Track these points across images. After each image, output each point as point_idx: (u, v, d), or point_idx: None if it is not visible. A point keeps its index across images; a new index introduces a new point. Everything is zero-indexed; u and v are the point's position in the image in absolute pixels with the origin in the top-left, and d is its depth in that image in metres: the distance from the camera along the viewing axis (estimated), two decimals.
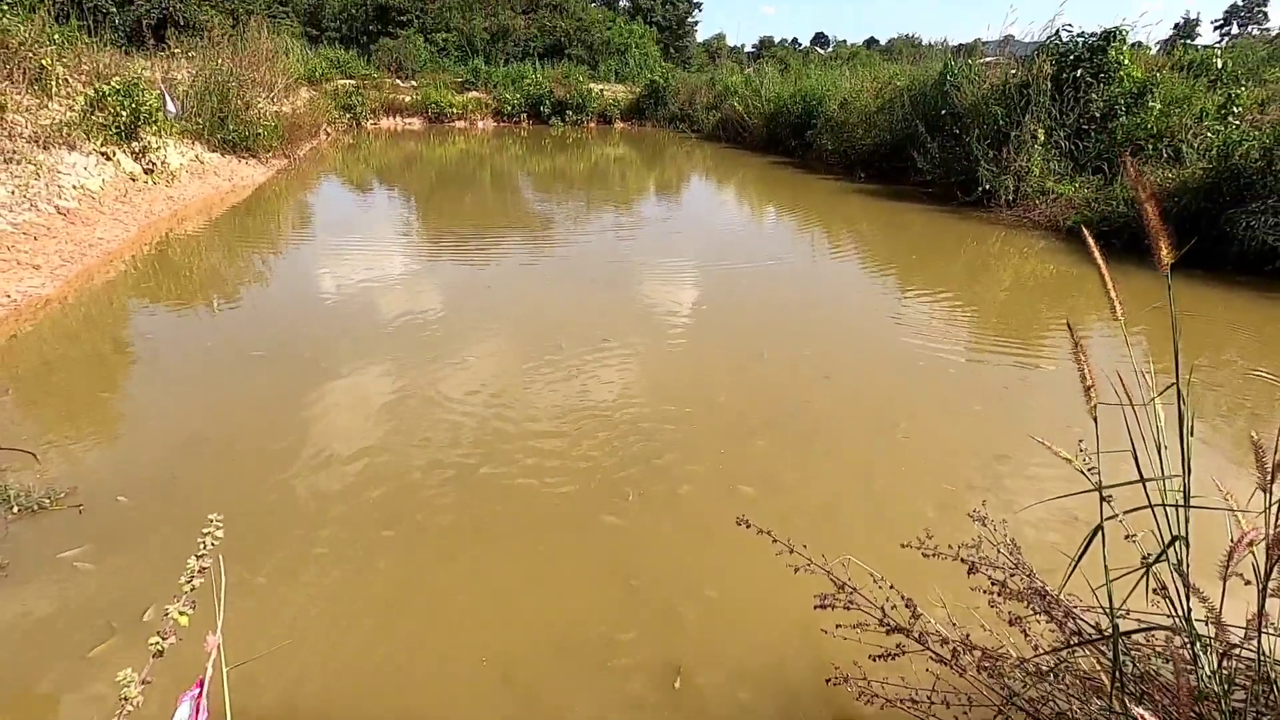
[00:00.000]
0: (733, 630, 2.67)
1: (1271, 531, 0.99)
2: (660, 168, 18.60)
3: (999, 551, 1.80)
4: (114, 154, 9.14)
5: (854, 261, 8.93)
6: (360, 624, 2.65)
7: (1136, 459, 1.12)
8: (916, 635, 1.55)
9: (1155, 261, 1.06)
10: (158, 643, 0.86)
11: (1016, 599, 1.76)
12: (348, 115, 22.86)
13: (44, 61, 9.16)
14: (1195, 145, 9.32)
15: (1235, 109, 9.45)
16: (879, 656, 1.58)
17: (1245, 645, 1.12)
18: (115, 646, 2.49)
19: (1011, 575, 1.80)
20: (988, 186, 10.88)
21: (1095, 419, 1.09)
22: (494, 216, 11.31)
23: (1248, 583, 1.28)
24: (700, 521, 3.30)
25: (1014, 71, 11.52)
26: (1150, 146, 10.01)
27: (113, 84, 9.70)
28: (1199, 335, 6.15)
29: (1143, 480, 1.09)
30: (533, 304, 6.51)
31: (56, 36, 10.59)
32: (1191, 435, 1.08)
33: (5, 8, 9.65)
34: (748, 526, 1.81)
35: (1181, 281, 7.35)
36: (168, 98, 10.45)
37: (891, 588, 1.73)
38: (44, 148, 7.91)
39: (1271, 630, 1.08)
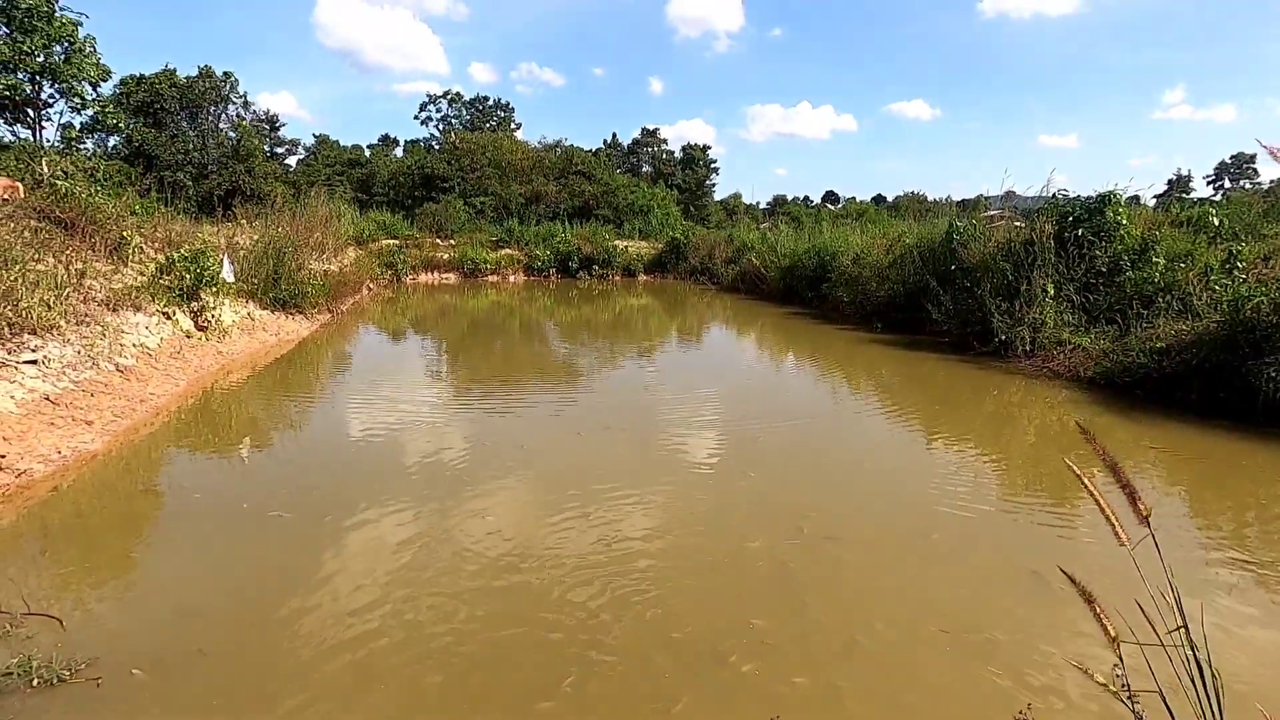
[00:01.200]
0: None
1: None
2: (682, 316, 19.38)
3: None
4: (174, 313, 9.84)
5: (879, 413, 8.99)
6: None
7: (1164, 699, 1.12)
8: None
9: (1138, 518, 1.11)
10: None
11: None
12: (389, 271, 24.51)
13: (125, 233, 10.17)
14: (1204, 300, 9.54)
15: (1239, 264, 9.76)
16: None
17: None
18: None
19: None
20: (1004, 338, 11.11)
21: (1120, 658, 1.10)
22: (522, 366, 11.73)
23: None
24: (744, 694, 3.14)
25: (1019, 225, 12.14)
26: (1160, 299, 10.27)
27: (182, 251, 10.66)
28: (1241, 493, 5.97)
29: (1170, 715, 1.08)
30: (558, 459, 6.59)
31: (138, 208, 11.83)
32: (1216, 677, 1.08)
33: (99, 187, 10.90)
34: None
35: (1211, 434, 7.25)
36: (227, 262, 11.40)
37: None
38: (113, 310, 8.58)
39: None
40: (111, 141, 31.22)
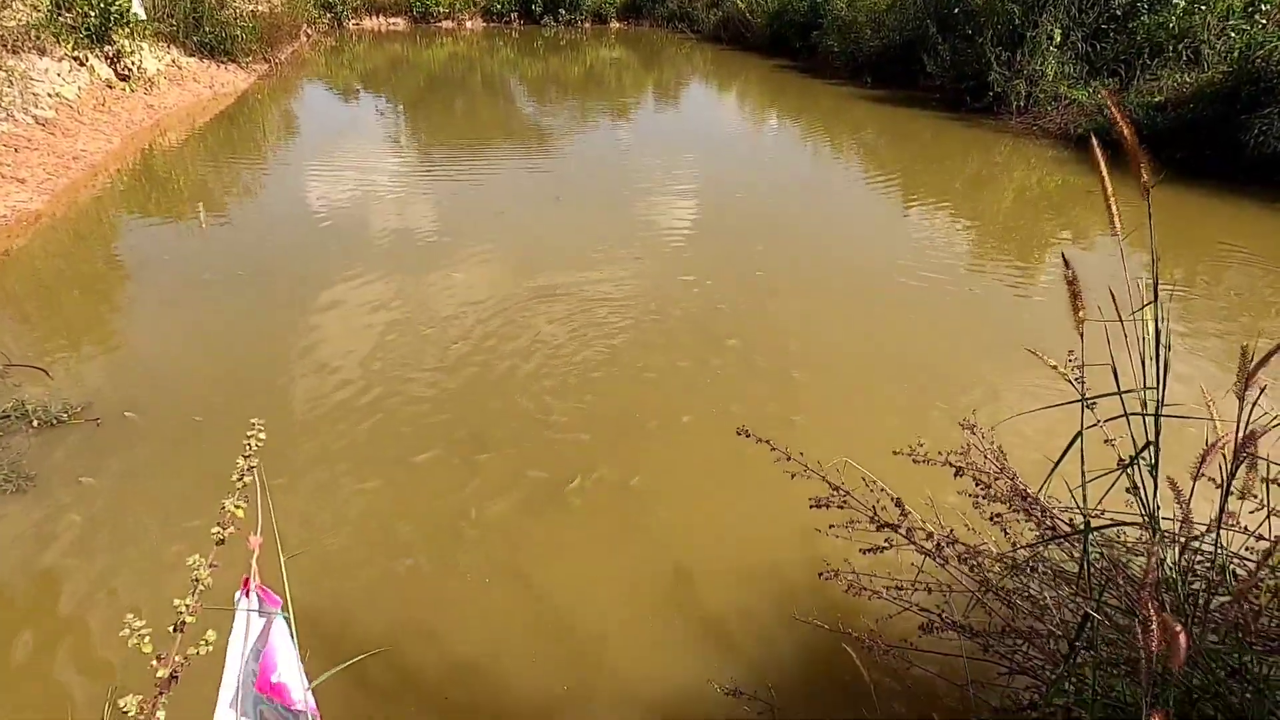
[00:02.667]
0: (732, 533, 2.82)
1: (1240, 436, 1.05)
2: (659, 70, 17.80)
3: (985, 458, 1.89)
4: (87, 59, 8.71)
5: (858, 172, 8.73)
6: (373, 526, 2.79)
7: (1115, 373, 1.18)
8: (904, 531, 1.66)
9: (1139, 181, 1.06)
10: (218, 532, 0.94)
11: (999, 501, 1.87)
12: (328, 15, 21.61)
13: None
14: (1217, 47, 8.92)
15: (1263, 7, 8.98)
16: (868, 550, 1.70)
17: (1205, 539, 1.21)
18: (170, 549, 2.64)
19: (996, 479, 1.90)
20: (999, 91, 10.48)
21: (1081, 334, 1.13)
22: (488, 128, 10.94)
23: (1218, 486, 1.37)
24: (699, 431, 3.42)
25: None
26: (1170, 48, 9.58)
27: None
28: (1205, 245, 6.13)
29: (1120, 392, 1.15)
30: (533, 227, 6.43)
31: None
32: (1169, 349, 1.13)
33: None
34: (747, 436, 1.89)
35: (1191, 192, 7.25)
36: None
37: (883, 490, 1.83)
38: (13, 51, 7.54)
39: (1231, 526, 1.17)
40: None
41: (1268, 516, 1.21)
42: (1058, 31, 10.10)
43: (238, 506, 0.96)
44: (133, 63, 9.37)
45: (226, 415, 3.42)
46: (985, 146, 9.46)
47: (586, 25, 25.62)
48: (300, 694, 1.12)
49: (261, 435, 1.08)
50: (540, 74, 16.84)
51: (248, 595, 1.08)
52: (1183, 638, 0.76)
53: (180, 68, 10.70)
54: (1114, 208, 1.08)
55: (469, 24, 24.76)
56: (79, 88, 8.16)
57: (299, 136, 9.70)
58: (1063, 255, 1.12)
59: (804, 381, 3.86)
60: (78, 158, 6.84)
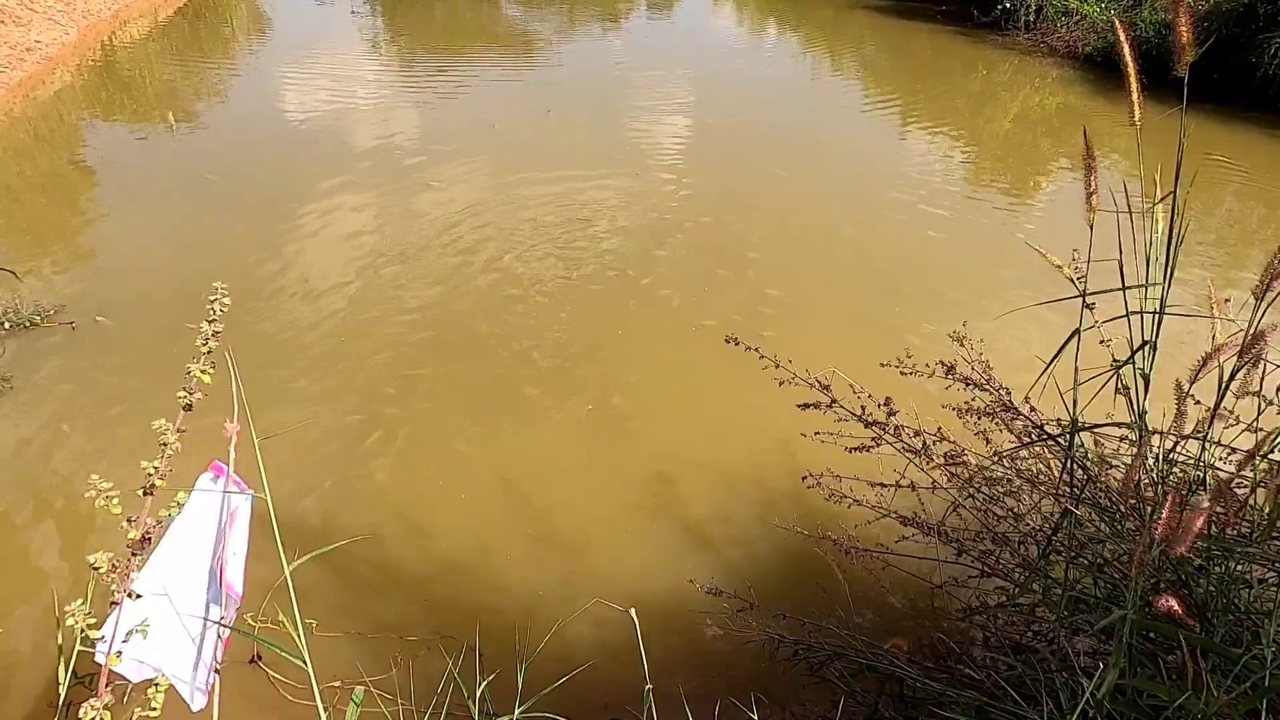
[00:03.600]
0: (716, 441, 2.85)
1: (1251, 333, 1.04)
2: None
3: (973, 369, 1.89)
4: None
5: (856, 89, 8.42)
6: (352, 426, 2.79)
7: (1121, 267, 1.15)
8: (892, 429, 1.67)
9: (1174, 60, 1.00)
10: (184, 396, 0.91)
11: (984, 414, 1.88)
12: None
13: None
14: None
15: None
16: (855, 449, 1.72)
17: (1189, 442, 1.23)
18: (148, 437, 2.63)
19: (982, 389, 1.91)
20: (1008, 5, 10.01)
21: (1091, 225, 1.09)
22: (471, 34, 10.35)
23: (1215, 391, 1.37)
24: (691, 337, 3.40)
25: None
26: None
27: None
28: (1209, 168, 6.04)
29: (1124, 288, 1.12)
30: (526, 140, 6.17)
31: None
32: (1180, 244, 1.09)
33: None
34: (736, 344, 1.87)
35: (1193, 115, 7.06)
36: None
37: (869, 396, 1.83)
38: None
39: (1229, 421, 1.18)
40: None
41: (1259, 415, 1.22)
42: None
43: (204, 372, 0.92)
44: None
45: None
46: (990, 64, 9.11)
47: None
48: (233, 575, 1.13)
49: (226, 300, 1.03)
50: None
51: (221, 477, 1.07)
52: (1199, 519, 0.75)
53: None
54: (1135, 96, 1.02)
55: None
56: None
57: (271, 37, 9.14)
58: (1084, 132, 1.07)
59: (794, 295, 3.82)
60: (32, 49, 6.42)
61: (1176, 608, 0.76)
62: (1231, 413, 1.42)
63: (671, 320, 3.57)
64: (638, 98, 7.23)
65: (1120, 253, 1.12)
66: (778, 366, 1.82)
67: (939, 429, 1.73)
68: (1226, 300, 1.55)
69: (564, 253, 4.10)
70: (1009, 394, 1.70)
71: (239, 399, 1.10)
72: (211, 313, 1.00)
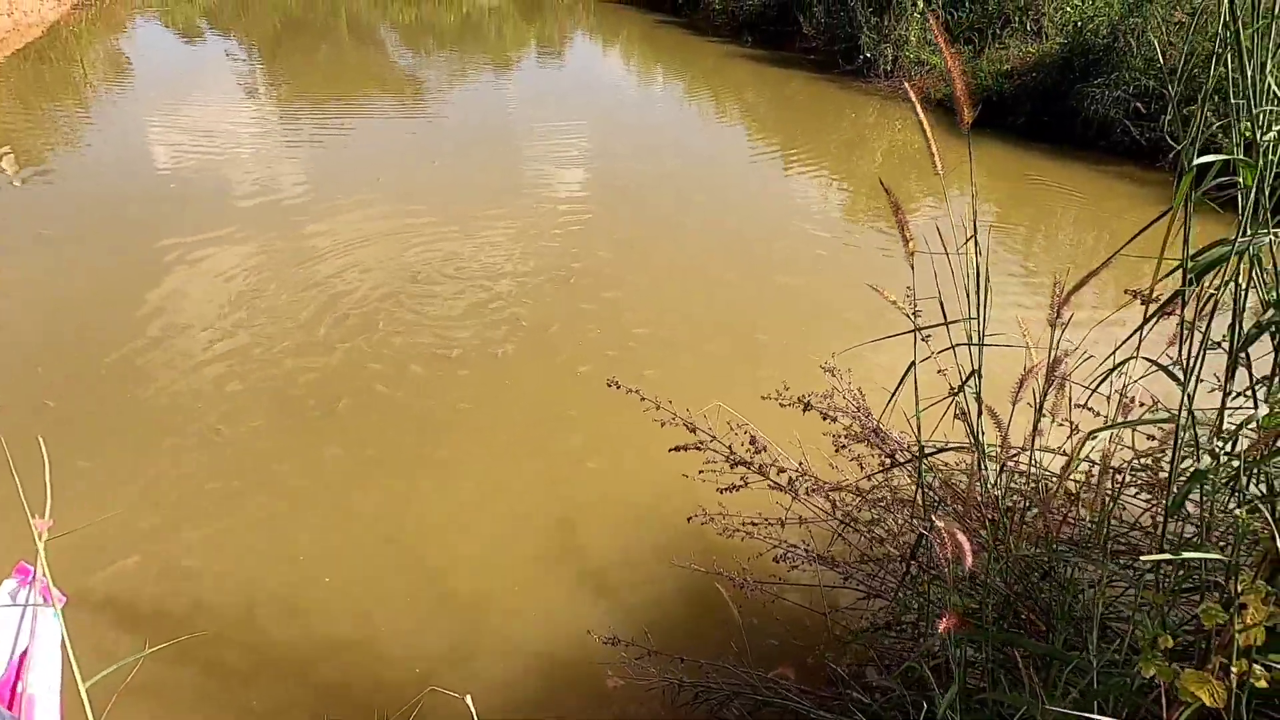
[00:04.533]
0: (616, 482, 2.83)
1: (1051, 358, 1.15)
2: (540, 22, 17.17)
3: (844, 398, 1.99)
4: None
5: (740, 132, 8.88)
6: (205, 500, 2.58)
7: (942, 305, 1.25)
8: (757, 467, 1.72)
9: (959, 121, 1.12)
10: None
11: (856, 438, 1.97)
12: None
13: None
14: (1056, 20, 9.71)
15: None
16: (725, 489, 1.75)
17: (1022, 458, 1.34)
18: None
19: (854, 417, 2.00)
20: (868, 55, 10.93)
21: (913, 266, 1.19)
22: (356, 81, 10.14)
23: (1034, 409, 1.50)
24: (580, 385, 3.39)
25: None
26: (1018, 19, 10.32)
27: None
28: (1041, 200, 6.74)
29: (946, 323, 1.22)
30: (410, 191, 6.05)
31: None
32: (989, 283, 1.21)
33: None
34: (617, 387, 1.88)
35: (1028, 154, 7.91)
36: None
37: (747, 433, 1.88)
38: None
39: (1041, 447, 1.30)
40: None
41: (1070, 435, 1.35)
42: None
43: None
44: None
45: (27, 395, 3.02)
46: (857, 108, 9.86)
47: None
48: (48, 714, 0.97)
49: None
50: (412, 21, 15.78)
51: (26, 585, 0.94)
52: (964, 541, 0.81)
53: None
54: (934, 148, 1.13)
55: None
56: None
57: (131, 79, 8.58)
58: (881, 183, 1.16)
59: (680, 333, 3.91)
60: None
61: (953, 625, 0.83)
62: (1071, 423, 1.57)
63: (558, 367, 3.55)
64: (528, 147, 7.29)
65: (939, 291, 1.22)
66: (658, 408, 1.84)
67: (800, 464, 1.80)
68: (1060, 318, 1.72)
69: (450, 308, 4.02)
70: (875, 422, 1.79)
71: (47, 488, 0.98)
72: None
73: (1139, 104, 7.39)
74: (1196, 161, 0.86)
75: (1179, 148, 0.94)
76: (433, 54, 12.65)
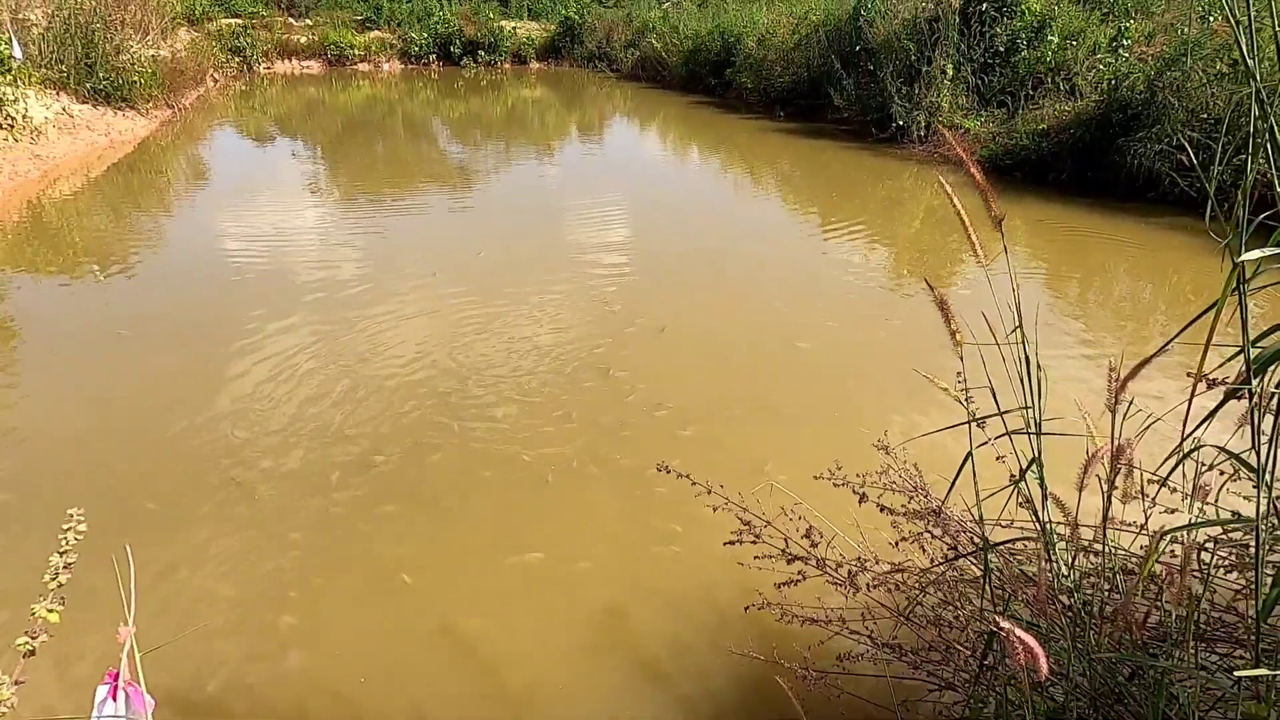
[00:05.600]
0: (662, 565, 2.78)
1: (1114, 446, 1.11)
2: (580, 110, 18.10)
3: (901, 476, 1.94)
4: None
5: (777, 201, 9.05)
6: (278, 602, 2.62)
7: (994, 391, 1.23)
8: (815, 561, 1.67)
9: (990, 213, 1.13)
10: (26, 642, 0.83)
11: (915, 518, 1.91)
12: (237, 59, 21.06)
13: None
14: (1089, 78, 9.75)
15: (1125, 42, 9.89)
16: (783, 584, 1.70)
17: (1093, 546, 1.27)
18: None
19: (912, 498, 1.95)
20: (901, 123, 11.12)
21: (960, 356, 1.18)
22: (410, 170, 10.80)
23: (1105, 488, 1.43)
24: (626, 470, 3.38)
25: (926, 3, 11.65)
26: (1050, 79, 10.41)
27: None
28: (1094, 253, 6.61)
29: (1000, 413, 1.20)
30: (463, 273, 6.33)
31: None
32: (1040, 371, 1.19)
33: None
34: (668, 472, 1.88)
35: (1075, 209, 7.83)
36: (14, 40, 9.32)
37: (801, 518, 1.84)
38: None
39: (1115, 530, 1.23)
40: None
41: (1147, 521, 1.28)
42: (950, 67, 10.83)
43: (51, 610, 0.86)
44: (15, 111, 8.83)
45: (108, 495, 3.17)
46: (893, 174, 9.97)
47: (506, 66, 25.86)
48: None
49: (81, 527, 0.98)
50: (462, 115, 16.83)
51: (115, 696, 0.97)
52: (1037, 647, 0.77)
53: (72, 116, 10.15)
54: (974, 238, 1.13)
55: (386, 66, 24.59)
56: None
57: (207, 182, 9.32)
58: (926, 282, 1.17)
59: (725, 410, 3.89)
60: None
61: None
62: (1143, 496, 1.49)
63: (603, 453, 3.56)
64: (569, 229, 7.56)
65: (990, 381, 1.20)
66: (709, 492, 1.83)
67: (860, 559, 1.74)
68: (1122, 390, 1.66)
69: (496, 397, 4.11)
70: (938, 501, 1.74)
71: (130, 595, 1.03)
72: (64, 542, 0.95)
73: (1184, 156, 7.27)
74: (1244, 258, 0.84)
75: (1231, 232, 0.92)
76: (481, 144, 13.40)
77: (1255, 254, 0.84)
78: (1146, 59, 8.74)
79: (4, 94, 8.68)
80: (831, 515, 2.27)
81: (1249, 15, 0.81)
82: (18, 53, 9.29)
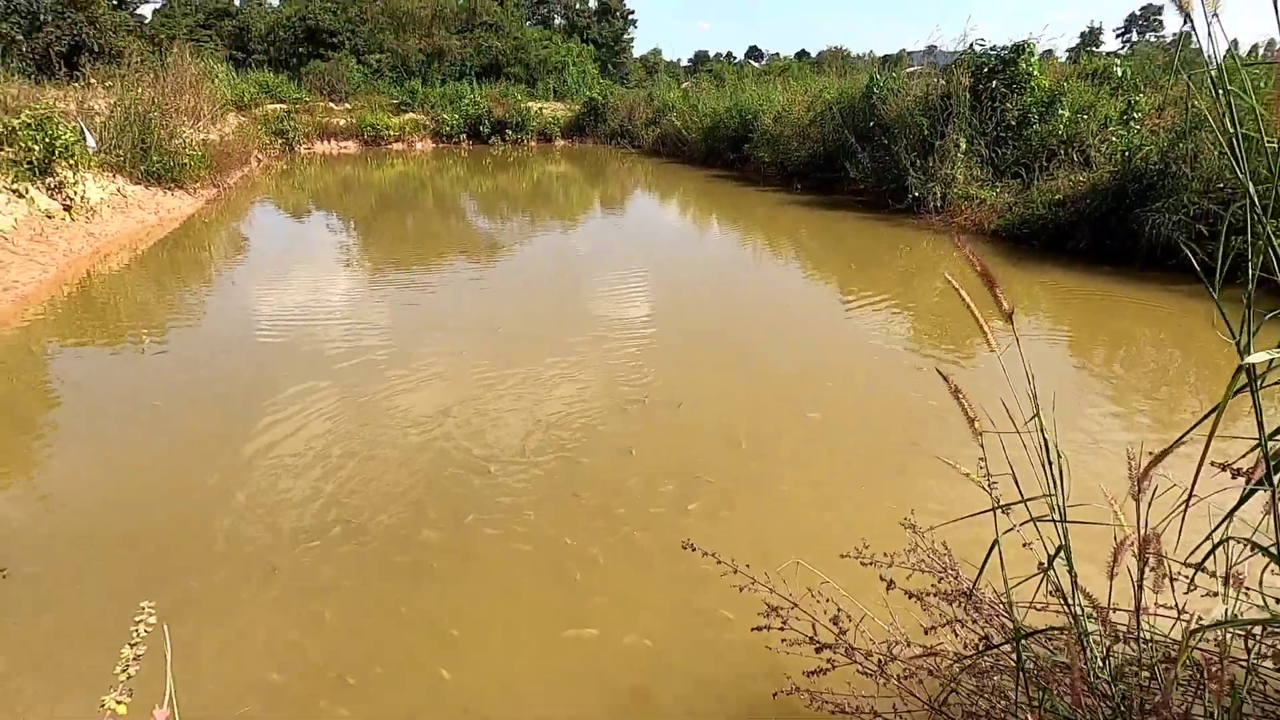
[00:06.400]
0: (690, 646, 2.72)
1: (1141, 535, 1.11)
2: (603, 184, 18.76)
3: (930, 556, 1.91)
4: (27, 191, 8.71)
5: (797, 271, 9.20)
6: (318, 680, 2.60)
7: (1016, 480, 1.24)
8: (844, 650, 1.64)
9: (1001, 315, 1.17)
10: None
11: (945, 599, 1.87)
12: (280, 141, 22.31)
13: None
14: (1102, 150, 9.94)
15: (1135, 114, 10.12)
16: (813, 672, 1.66)
17: (1127, 638, 1.24)
18: None
19: (941, 578, 1.92)
20: (917, 194, 11.35)
21: (981, 444, 1.20)
22: (439, 243, 11.20)
23: (1141, 567, 1.41)
24: (650, 547, 3.35)
25: (937, 81, 12.08)
26: (1063, 151, 10.63)
27: (23, 117, 9.26)
28: (1117, 317, 6.57)
29: (1024, 500, 1.21)
30: (487, 346, 6.49)
31: None
32: (1061, 458, 1.20)
33: None
34: (692, 550, 1.88)
35: (1095, 276, 7.85)
36: (86, 132, 10.03)
37: (829, 599, 1.81)
38: None
39: (1150, 616, 1.20)
40: None
41: (1182, 608, 1.25)
42: (963, 140, 11.12)
43: (119, 702, 0.89)
44: (75, 193, 9.40)
45: (144, 571, 3.21)
46: (910, 243, 10.11)
47: (533, 144, 27.05)
48: None
49: (151, 620, 1.02)
50: (490, 190, 17.52)
51: None
52: None
53: (125, 196, 10.77)
54: (987, 330, 1.17)
55: (419, 145, 25.84)
56: (15, 219, 8.10)
57: (245, 256, 9.74)
58: (940, 372, 1.20)
59: (749, 484, 3.87)
60: (8, 289, 6.69)
61: None
62: (1177, 577, 1.46)
63: (623, 531, 3.54)
64: (591, 300, 7.74)
65: (1011, 469, 1.22)
66: (735, 571, 1.82)
67: (889, 647, 1.71)
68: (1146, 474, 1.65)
69: (516, 462, 4.15)
70: (959, 576, 1.71)
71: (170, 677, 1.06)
72: (135, 635, 0.99)
73: (1201, 226, 7.31)
74: (1250, 359, 0.87)
75: (1241, 331, 0.95)
76: (507, 217, 13.90)
77: (1260, 356, 0.87)
78: (1158, 131, 8.92)
79: (67, 178, 9.27)
80: (860, 594, 2.23)
81: (1234, 129, 0.87)
82: (91, 144, 9.98)
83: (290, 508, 3.59)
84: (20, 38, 25.92)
